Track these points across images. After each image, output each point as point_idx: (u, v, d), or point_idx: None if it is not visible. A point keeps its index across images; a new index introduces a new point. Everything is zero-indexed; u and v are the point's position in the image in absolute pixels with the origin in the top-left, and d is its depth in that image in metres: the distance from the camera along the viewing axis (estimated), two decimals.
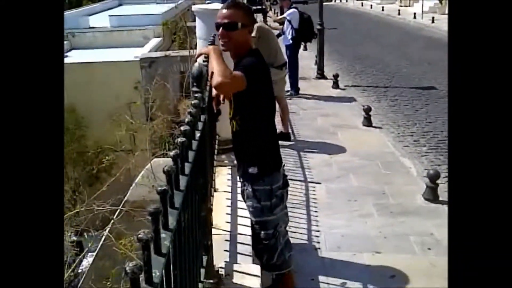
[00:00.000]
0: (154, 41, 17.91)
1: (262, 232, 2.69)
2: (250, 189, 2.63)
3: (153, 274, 0.96)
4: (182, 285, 1.45)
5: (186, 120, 1.48)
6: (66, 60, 14.63)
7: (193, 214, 1.66)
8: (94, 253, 6.66)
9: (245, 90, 2.38)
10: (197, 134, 1.66)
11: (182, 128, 1.40)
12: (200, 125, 1.77)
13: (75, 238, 6.70)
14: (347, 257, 3.83)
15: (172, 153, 1.23)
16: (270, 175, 2.65)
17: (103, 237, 6.33)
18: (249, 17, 2.61)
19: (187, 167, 1.41)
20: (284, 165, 2.81)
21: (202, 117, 1.85)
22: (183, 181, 1.33)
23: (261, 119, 2.64)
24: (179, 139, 1.33)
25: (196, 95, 1.79)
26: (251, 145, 2.67)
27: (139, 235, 0.91)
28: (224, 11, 2.53)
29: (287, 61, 7.04)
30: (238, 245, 2.68)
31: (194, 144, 1.59)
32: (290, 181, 2.92)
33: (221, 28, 2.50)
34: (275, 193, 2.66)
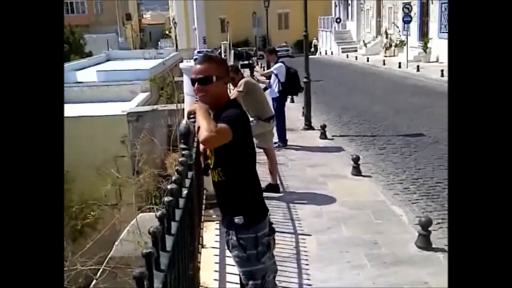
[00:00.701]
0: (142, 96, 18.07)
1: (250, 283, 2.62)
2: (235, 238, 2.58)
3: None
4: None
5: (173, 178, 1.44)
6: None
7: (180, 274, 1.60)
8: None
9: (229, 143, 2.40)
10: (184, 192, 1.63)
11: (169, 186, 1.36)
12: (187, 182, 1.74)
13: None
14: None
15: (158, 214, 1.19)
16: (256, 224, 2.62)
17: None
18: (223, 69, 2.64)
19: (174, 226, 1.37)
20: (269, 213, 2.77)
21: (189, 174, 1.82)
22: (169, 241, 1.28)
23: (243, 169, 2.63)
24: (165, 199, 1.29)
25: (183, 152, 1.77)
26: (235, 195, 2.63)
27: None
28: (198, 66, 2.57)
29: (274, 114, 7.10)
30: None
31: (181, 202, 1.55)
32: (279, 234, 2.88)
33: (196, 83, 2.52)
34: (261, 241, 2.62)
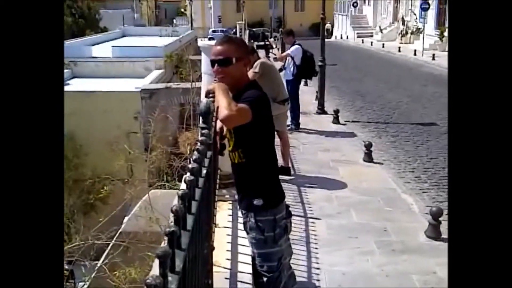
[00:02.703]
0: (156, 73, 18.07)
1: (266, 265, 2.63)
2: (253, 220, 2.59)
3: None
4: None
5: (194, 157, 1.45)
6: (67, 88, 14.72)
7: (196, 253, 1.62)
8: (86, 285, 6.54)
9: (249, 122, 2.39)
10: (203, 171, 1.64)
11: (190, 165, 1.37)
12: (206, 162, 1.75)
13: (67, 267, 6.58)
14: None
15: (180, 192, 1.20)
16: (275, 207, 2.63)
17: (97, 268, 6.22)
18: (243, 50, 2.62)
19: (194, 205, 1.38)
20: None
21: (208, 154, 1.82)
22: (189, 220, 1.29)
23: (264, 151, 2.64)
24: (187, 177, 1.30)
25: (203, 131, 1.77)
26: (255, 177, 2.65)
27: (148, 281, 0.87)
28: (217, 47, 2.55)
29: (288, 96, 7.07)
30: (239, 284, 2.61)
31: (201, 181, 1.56)
32: None
33: (215, 65, 2.52)
34: (278, 223, 2.63)
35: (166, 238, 1.04)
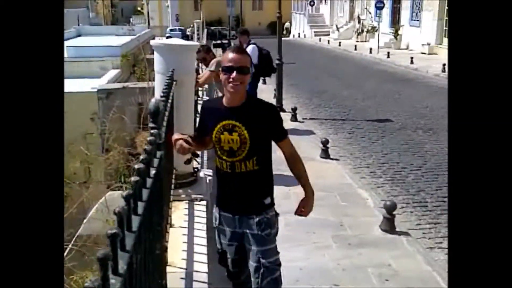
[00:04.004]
0: (112, 73, 17.74)
1: (275, 258, 2.80)
2: (267, 217, 2.76)
3: None
4: None
5: (141, 157, 1.45)
6: None
7: (146, 254, 1.61)
8: None
9: (267, 134, 2.67)
10: (152, 171, 1.63)
11: (136, 166, 1.37)
12: (156, 162, 1.74)
13: None
14: None
15: (124, 193, 1.19)
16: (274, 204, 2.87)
17: None
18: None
19: (141, 207, 1.38)
20: None
21: (158, 154, 1.82)
22: (135, 221, 1.29)
23: (271, 155, 2.82)
24: (132, 178, 1.30)
25: (152, 131, 1.77)
26: (266, 180, 2.83)
27: (86, 284, 0.87)
28: (237, 55, 2.61)
29: None
30: (194, 283, 2.61)
31: (149, 181, 1.56)
32: None
33: (235, 72, 2.56)
34: (277, 219, 2.89)
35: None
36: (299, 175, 2.91)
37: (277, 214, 2.89)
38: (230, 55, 2.62)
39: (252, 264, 2.79)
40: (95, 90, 14.37)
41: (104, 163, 8.77)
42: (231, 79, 2.56)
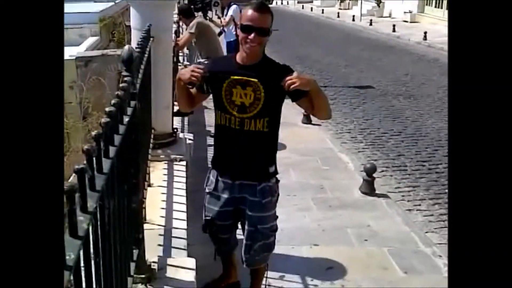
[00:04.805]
0: (91, 40, 17.36)
1: (273, 224, 2.75)
2: (270, 185, 2.67)
3: (67, 257, 0.89)
4: (107, 277, 1.37)
5: (112, 102, 1.40)
6: None
7: (120, 203, 1.59)
8: None
9: (282, 93, 2.47)
10: (126, 119, 1.59)
11: (107, 109, 1.32)
12: (129, 111, 1.70)
13: None
14: (286, 251, 3.83)
15: (93, 133, 1.15)
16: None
17: None
18: (272, 21, 2.53)
19: (112, 151, 1.34)
20: None
21: (132, 103, 1.77)
22: (106, 164, 1.25)
23: (279, 122, 2.69)
24: (102, 120, 1.25)
25: (125, 79, 1.71)
26: (272, 146, 2.70)
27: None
28: (258, 15, 2.40)
29: None
30: (173, 239, 2.60)
31: (122, 128, 1.52)
32: None
33: (253, 34, 2.39)
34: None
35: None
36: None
37: (277, 181, 2.77)
38: (249, 12, 2.41)
39: (248, 229, 2.72)
40: (73, 58, 14.07)
41: (83, 131, 8.66)
42: (248, 40, 2.40)
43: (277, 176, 2.77)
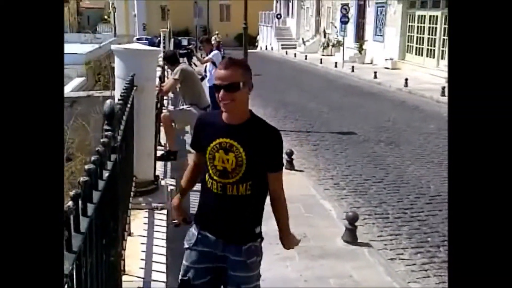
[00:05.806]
0: (77, 81, 17.46)
1: (257, 284, 2.69)
2: (256, 245, 2.63)
3: None
4: None
5: (92, 158, 1.39)
6: None
7: (98, 259, 1.55)
8: None
9: (263, 158, 2.45)
10: (106, 174, 1.57)
11: (86, 167, 1.31)
12: (110, 165, 1.68)
13: None
14: None
15: (71, 193, 1.14)
16: None
17: None
18: (249, 74, 2.49)
19: (90, 208, 1.32)
20: None
21: (113, 157, 1.76)
22: (84, 223, 1.23)
23: (266, 182, 2.59)
24: (81, 178, 1.24)
25: (106, 133, 1.71)
26: (258, 207, 2.61)
27: None
28: (223, 71, 2.39)
29: (210, 103, 7.07)
30: None
31: (101, 184, 1.50)
32: None
33: (222, 91, 2.37)
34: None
35: None
36: (279, 219, 2.75)
37: (262, 239, 2.72)
38: (218, 70, 2.43)
39: None
40: None
41: (66, 172, 8.56)
42: (220, 99, 2.40)
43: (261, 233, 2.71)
